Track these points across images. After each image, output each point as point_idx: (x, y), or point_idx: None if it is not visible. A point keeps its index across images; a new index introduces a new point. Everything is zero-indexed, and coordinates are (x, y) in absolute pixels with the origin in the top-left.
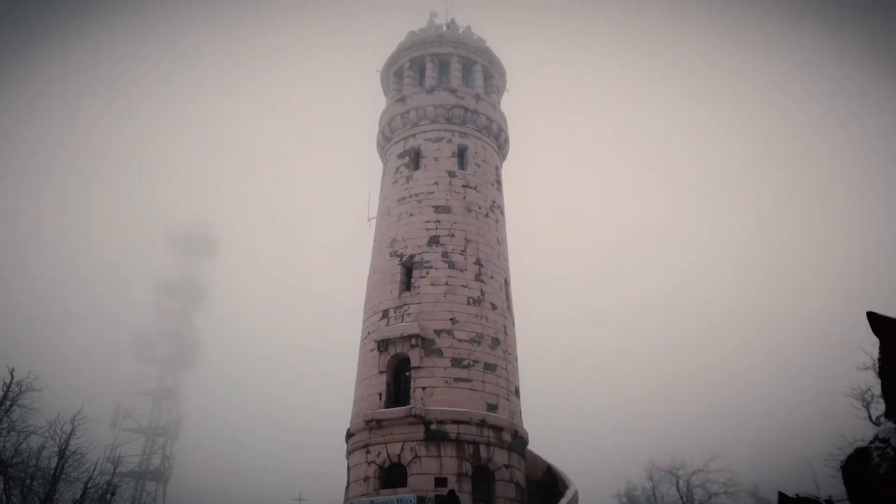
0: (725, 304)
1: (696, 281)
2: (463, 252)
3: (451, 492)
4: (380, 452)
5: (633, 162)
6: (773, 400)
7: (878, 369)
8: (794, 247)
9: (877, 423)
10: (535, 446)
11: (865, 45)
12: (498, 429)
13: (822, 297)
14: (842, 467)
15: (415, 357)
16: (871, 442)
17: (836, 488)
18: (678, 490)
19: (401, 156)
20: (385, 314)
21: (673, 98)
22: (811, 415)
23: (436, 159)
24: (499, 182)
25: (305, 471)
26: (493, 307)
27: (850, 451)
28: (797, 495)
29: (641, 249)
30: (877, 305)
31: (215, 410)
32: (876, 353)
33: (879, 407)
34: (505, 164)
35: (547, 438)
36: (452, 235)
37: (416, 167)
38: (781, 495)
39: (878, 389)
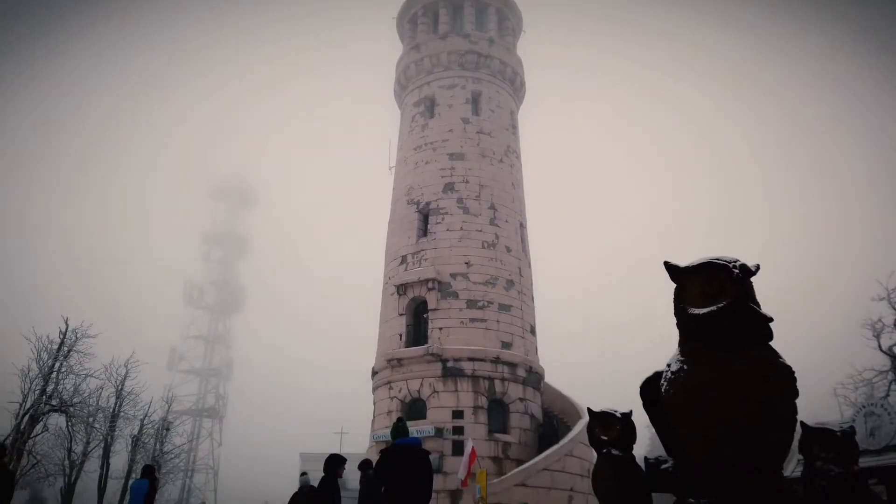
0: (746, 242)
1: (713, 220)
2: (477, 198)
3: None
4: (401, 388)
5: (653, 105)
6: (796, 333)
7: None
8: (812, 194)
9: (887, 352)
10: (562, 384)
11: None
12: (512, 365)
13: (839, 238)
14: (640, 389)
15: (432, 299)
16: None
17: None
18: None
19: (416, 104)
20: (403, 260)
21: (695, 47)
22: (833, 346)
23: (450, 106)
24: (514, 127)
25: (348, 405)
26: (508, 250)
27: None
28: (603, 410)
29: (668, 187)
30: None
31: (263, 352)
32: (890, 283)
33: (892, 336)
34: (523, 107)
35: (579, 377)
36: (467, 182)
37: (431, 115)
38: (590, 410)
39: (888, 320)
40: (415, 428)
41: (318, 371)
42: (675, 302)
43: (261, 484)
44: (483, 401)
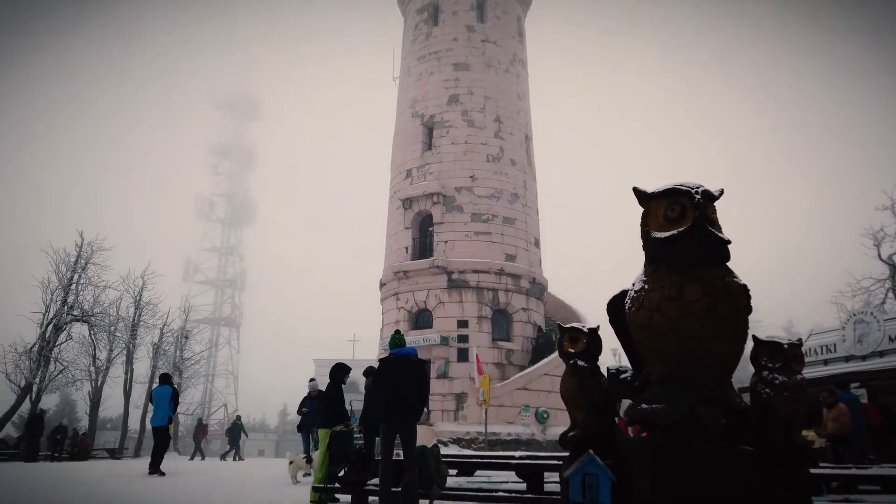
0: (751, 153)
1: (720, 126)
2: (482, 110)
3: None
4: (408, 299)
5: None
6: (798, 243)
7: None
8: (818, 108)
9: (887, 261)
10: (565, 294)
11: None
12: (516, 276)
13: (844, 149)
14: (607, 305)
15: (437, 213)
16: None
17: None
18: None
19: (419, 11)
20: (408, 174)
21: None
22: (833, 255)
23: (454, 13)
24: (521, 34)
25: (361, 314)
26: (513, 163)
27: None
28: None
29: (676, 97)
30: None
31: (276, 263)
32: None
33: (893, 246)
34: (530, 12)
35: (584, 286)
36: (472, 93)
37: (435, 23)
38: (560, 326)
39: (890, 229)
40: (421, 336)
41: (332, 282)
42: (641, 225)
43: (278, 387)
44: (487, 311)
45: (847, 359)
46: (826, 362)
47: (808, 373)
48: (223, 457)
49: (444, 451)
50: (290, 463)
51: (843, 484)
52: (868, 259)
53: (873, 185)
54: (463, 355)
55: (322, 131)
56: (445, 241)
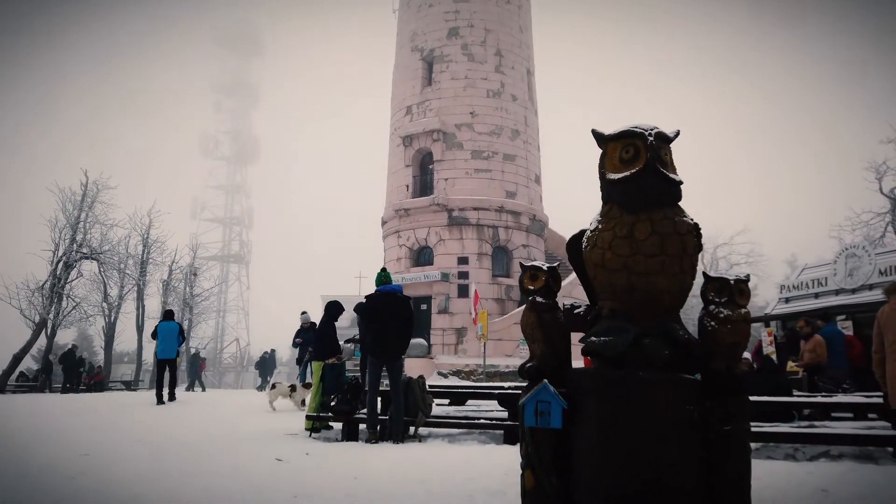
0: (748, 86)
1: (724, 62)
2: (483, 43)
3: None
4: (409, 237)
5: None
6: (801, 178)
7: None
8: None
9: (888, 195)
10: (567, 230)
11: None
12: (516, 214)
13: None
14: (566, 245)
15: (437, 151)
16: None
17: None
18: (702, 262)
19: None
20: (408, 110)
21: None
22: (840, 190)
23: None
24: None
25: (364, 253)
26: (514, 98)
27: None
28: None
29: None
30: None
31: (282, 201)
32: None
33: (895, 179)
34: None
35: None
36: (472, 26)
37: None
38: (521, 264)
39: (893, 163)
40: (422, 273)
41: (338, 219)
42: (598, 167)
43: (288, 322)
44: (487, 248)
45: (837, 292)
46: (817, 296)
47: (800, 306)
48: (260, 388)
49: (443, 382)
50: (272, 388)
51: (816, 411)
52: (869, 193)
53: (880, 117)
54: (463, 291)
55: (324, 67)
56: (446, 179)
